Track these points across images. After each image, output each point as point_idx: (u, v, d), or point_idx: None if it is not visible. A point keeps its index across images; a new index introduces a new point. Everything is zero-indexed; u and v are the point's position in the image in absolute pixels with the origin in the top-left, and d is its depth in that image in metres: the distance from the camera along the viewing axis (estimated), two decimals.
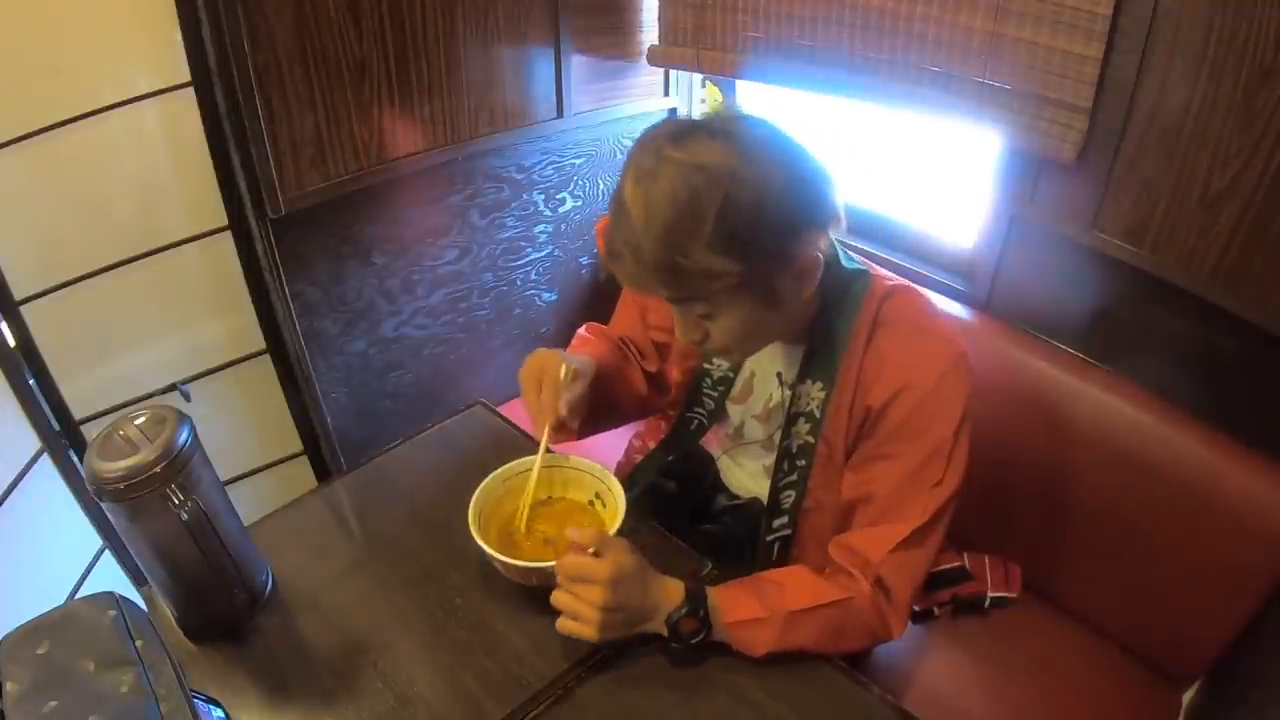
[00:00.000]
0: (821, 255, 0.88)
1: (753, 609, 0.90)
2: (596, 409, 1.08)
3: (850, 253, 1.01)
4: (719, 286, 0.82)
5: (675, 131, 0.82)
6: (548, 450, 1.06)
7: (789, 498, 1.05)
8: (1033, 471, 1.31)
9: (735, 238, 0.79)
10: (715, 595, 0.91)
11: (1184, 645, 1.23)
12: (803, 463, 1.03)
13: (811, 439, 1.01)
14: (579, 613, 0.87)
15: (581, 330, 1.23)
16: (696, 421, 1.18)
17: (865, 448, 0.98)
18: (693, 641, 0.88)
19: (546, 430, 1.01)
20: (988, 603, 1.34)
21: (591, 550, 0.88)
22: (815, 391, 0.99)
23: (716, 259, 0.79)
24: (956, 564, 1.38)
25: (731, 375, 1.12)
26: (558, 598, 0.89)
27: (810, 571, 0.97)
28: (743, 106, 1.66)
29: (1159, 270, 1.20)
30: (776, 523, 1.07)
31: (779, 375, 1.06)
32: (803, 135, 0.86)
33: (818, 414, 1.00)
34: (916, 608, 1.35)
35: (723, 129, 0.82)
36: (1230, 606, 1.14)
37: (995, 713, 1.24)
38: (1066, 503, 1.30)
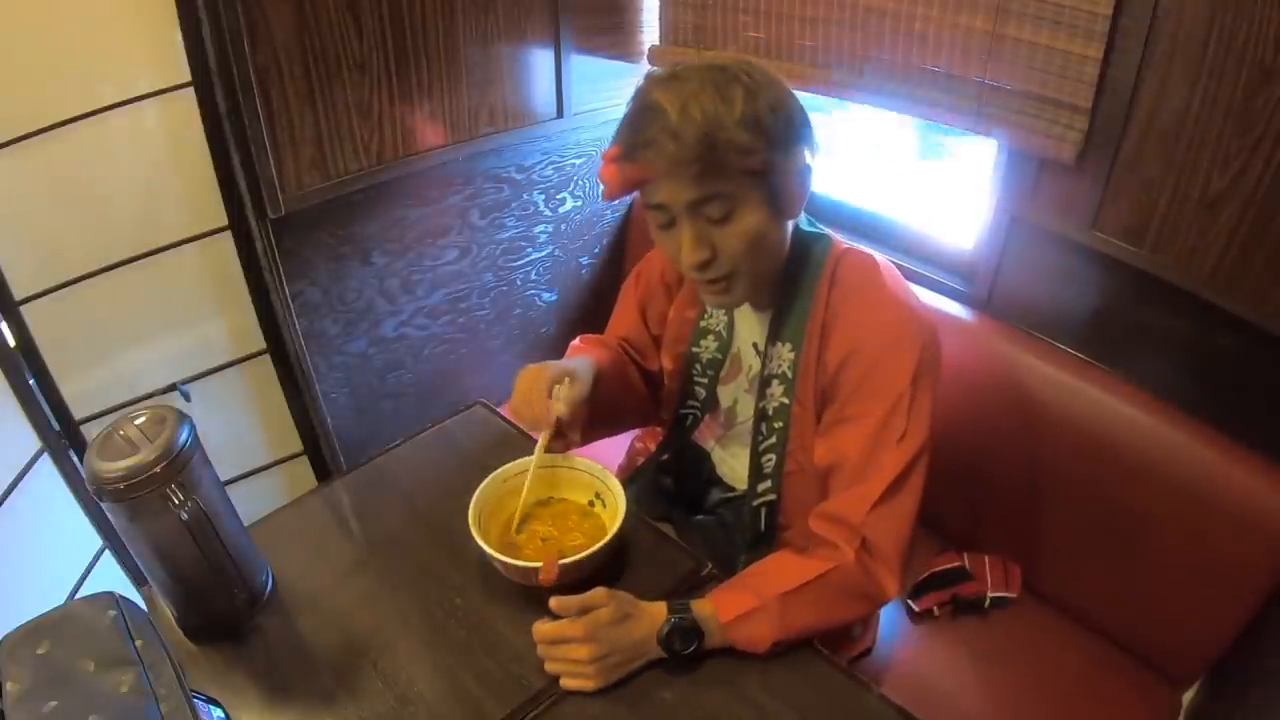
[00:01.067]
0: (812, 167, 0.94)
1: (746, 601, 0.91)
2: (597, 414, 1.08)
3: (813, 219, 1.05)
4: (746, 166, 0.87)
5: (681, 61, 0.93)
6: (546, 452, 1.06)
7: (770, 461, 1.07)
8: (1032, 471, 1.32)
9: (760, 119, 0.87)
10: (707, 604, 0.92)
11: (1184, 645, 1.23)
12: (779, 424, 1.05)
13: (786, 400, 1.03)
14: (571, 671, 0.89)
15: (575, 342, 1.22)
16: (691, 417, 1.19)
17: (829, 414, 1.00)
18: (686, 652, 0.89)
19: (542, 439, 1.01)
20: (988, 603, 1.35)
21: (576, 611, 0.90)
22: (785, 353, 1.02)
23: (746, 134, 0.86)
24: (956, 564, 1.39)
25: (720, 357, 1.13)
26: (548, 666, 0.90)
27: (790, 554, 0.99)
28: None
29: (1158, 270, 1.20)
30: (760, 487, 1.08)
31: (755, 346, 1.09)
32: None
33: (789, 374, 1.02)
34: (916, 608, 1.35)
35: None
36: (1230, 606, 1.15)
37: (995, 713, 1.24)
38: (1066, 502, 1.30)
